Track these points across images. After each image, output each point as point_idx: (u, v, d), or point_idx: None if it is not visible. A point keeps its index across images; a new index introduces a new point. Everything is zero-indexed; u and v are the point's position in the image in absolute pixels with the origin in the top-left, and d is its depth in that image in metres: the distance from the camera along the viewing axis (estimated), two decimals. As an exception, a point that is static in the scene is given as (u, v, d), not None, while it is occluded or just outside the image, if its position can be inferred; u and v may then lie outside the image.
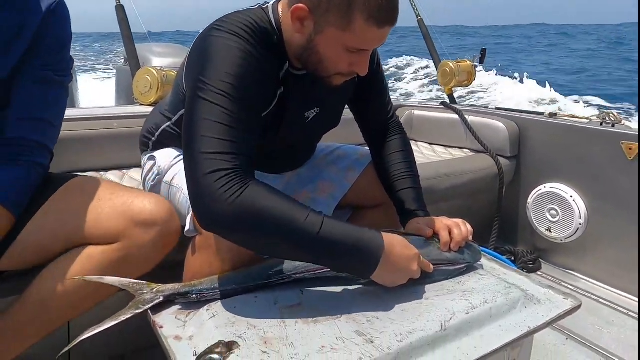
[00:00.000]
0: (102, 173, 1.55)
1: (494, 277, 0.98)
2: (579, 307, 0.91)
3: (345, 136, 1.50)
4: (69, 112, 1.59)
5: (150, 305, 0.78)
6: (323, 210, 1.20)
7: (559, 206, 1.99)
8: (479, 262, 1.03)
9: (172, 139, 1.14)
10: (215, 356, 0.67)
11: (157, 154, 1.15)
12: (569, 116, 2.08)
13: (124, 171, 1.57)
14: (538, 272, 2.05)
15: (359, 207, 1.27)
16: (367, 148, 1.27)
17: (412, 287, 0.91)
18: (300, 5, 0.85)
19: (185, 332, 0.73)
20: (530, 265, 2.06)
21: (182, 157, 1.10)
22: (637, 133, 1.76)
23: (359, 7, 0.81)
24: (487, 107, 2.38)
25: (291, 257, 0.85)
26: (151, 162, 1.15)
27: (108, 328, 0.73)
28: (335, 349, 0.70)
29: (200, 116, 0.79)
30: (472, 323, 0.81)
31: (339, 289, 0.88)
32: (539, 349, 1.47)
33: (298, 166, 1.25)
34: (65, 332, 1.06)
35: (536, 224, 2.06)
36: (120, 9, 1.85)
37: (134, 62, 1.77)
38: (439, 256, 0.96)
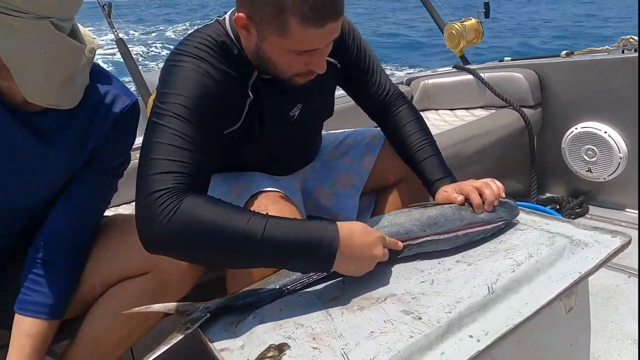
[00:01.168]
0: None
1: (535, 230, 0.95)
2: (629, 242, 0.87)
3: (360, 118, 1.48)
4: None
5: (199, 323, 0.79)
6: (348, 202, 1.21)
7: (595, 145, 1.91)
8: (517, 218, 1.00)
9: None
10: (268, 360, 0.68)
11: None
12: (587, 51, 1.99)
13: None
14: (586, 216, 1.98)
15: (382, 188, 1.25)
16: (374, 128, 1.24)
17: (453, 256, 0.90)
18: (240, 14, 0.83)
19: (236, 342, 0.75)
20: (578, 210, 1.99)
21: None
22: None
23: (290, 11, 0.77)
24: (501, 61, 2.31)
25: (243, 265, 0.83)
26: None
27: (163, 352, 0.75)
28: (385, 332, 0.70)
29: (152, 139, 0.79)
30: (520, 280, 0.79)
31: (380, 271, 0.88)
32: (601, 293, 1.42)
33: (308, 162, 1.24)
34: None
35: (575, 168, 1.99)
36: (121, 43, 1.89)
37: (144, 91, 1.81)
38: (473, 219, 0.94)
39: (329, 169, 1.25)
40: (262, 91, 0.97)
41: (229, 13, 0.95)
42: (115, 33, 1.87)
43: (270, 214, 0.82)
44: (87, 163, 0.93)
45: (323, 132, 1.38)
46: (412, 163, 1.11)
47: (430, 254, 0.91)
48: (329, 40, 0.85)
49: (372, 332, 0.70)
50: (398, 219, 0.93)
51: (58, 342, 0.98)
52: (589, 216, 1.97)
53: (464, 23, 2.30)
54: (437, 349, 0.67)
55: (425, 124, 1.16)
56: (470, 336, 0.69)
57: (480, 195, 0.96)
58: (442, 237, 0.91)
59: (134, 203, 1.56)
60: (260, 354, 0.70)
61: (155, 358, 0.73)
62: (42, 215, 0.93)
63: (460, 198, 0.97)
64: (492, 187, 0.96)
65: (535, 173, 2.05)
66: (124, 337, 0.92)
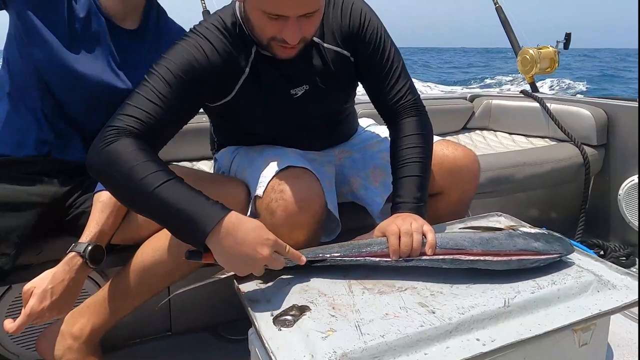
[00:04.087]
0: (194, 163, 1.72)
1: (565, 262, 0.96)
2: None
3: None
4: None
5: (231, 273, 0.88)
6: (375, 198, 1.23)
7: (654, 198, 1.85)
8: None
9: (223, 138, 1.27)
10: (289, 317, 0.76)
11: (218, 155, 1.28)
12: None
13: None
14: (632, 269, 1.91)
15: None
16: None
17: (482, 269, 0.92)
18: None
19: (264, 297, 0.83)
20: (623, 261, 1.93)
21: (236, 153, 1.20)
22: None
23: None
24: (574, 95, 2.26)
25: (142, 211, 0.91)
26: (216, 164, 1.28)
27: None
28: (398, 316, 0.75)
29: (135, 90, 0.93)
30: (538, 302, 0.82)
31: (408, 266, 0.91)
32: (631, 347, 1.38)
33: (336, 142, 1.28)
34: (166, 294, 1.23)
35: (629, 217, 1.93)
36: (207, 14, 2.02)
37: None
38: (527, 246, 0.92)
39: (366, 159, 1.27)
40: (262, 67, 1.04)
41: None
42: (204, 4, 2.00)
43: (290, 187, 0.91)
44: None
45: (373, 124, 1.42)
46: (394, 178, 1.08)
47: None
48: (299, 10, 0.89)
49: (386, 313, 0.76)
50: (450, 234, 0.94)
51: (112, 267, 1.11)
52: (634, 270, 1.91)
53: (540, 50, 2.27)
54: (443, 343, 0.72)
55: (428, 141, 1.11)
56: (477, 339, 0.73)
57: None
58: (495, 258, 0.89)
59: (205, 161, 1.71)
60: (283, 310, 0.77)
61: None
62: None
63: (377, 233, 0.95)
64: (415, 237, 0.89)
65: (585, 213, 2.00)
66: (169, 272, 1.03)
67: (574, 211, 2.03)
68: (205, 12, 2.08)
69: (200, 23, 1.02)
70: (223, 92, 1.05)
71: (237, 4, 1.03)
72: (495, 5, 2.57)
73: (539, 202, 2.03)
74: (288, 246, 0.86)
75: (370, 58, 1.10)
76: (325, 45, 1.08)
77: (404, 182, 1.04)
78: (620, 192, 1.94)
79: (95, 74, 1.11)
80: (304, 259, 0.88)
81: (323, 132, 1.25)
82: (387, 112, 1.15)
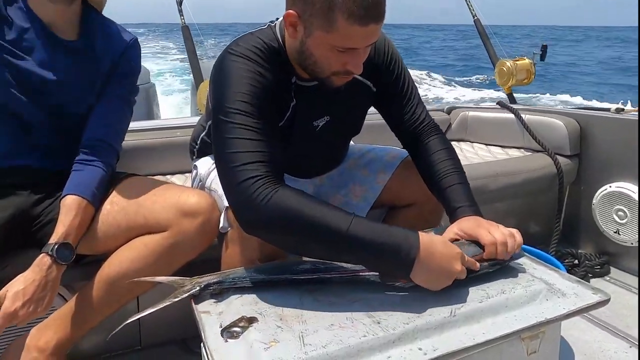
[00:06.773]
0: (168, 177, 1.74)
1: (518, 271, 0.98)
2: (606, 301, 0.89)
3: (383, 140, 1.55)
4: (143, 124, 1.81)
5: (188, 294, 0.88)
6: (357, 213, 1.25)
7: (626, 207, 1.87)
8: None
9: (209, 146, 1.27)
10: (237, 329, 0.77)
11: (198, 162, 1.29)
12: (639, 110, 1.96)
13: (187, 175, 1.75)
14: (606, 277, 1.93)
15: (392, 207, 1.31)
16: (398, 148, 1.29)
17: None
18: (290, 11, 0.91)
19: (215, 309, 0.84)
20: (598, 270, 1.95)
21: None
22: None
23: (339, 7, 0.85)
24: (551, 106, 2.30)
25: (324, 257, 0.90)
26: (195, 171, 1.29)
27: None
28: (343, 327, 0.77)
29: (223, 135, 0.89)
30: (485, 311, 0.83)
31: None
32: (597, 355, 1.40)
33: (328, 170, 1.30)
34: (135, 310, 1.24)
35: (603, 226, 1.96)
36: (186, 30, 2.06)
37: (197, 76, 1.97)
38: (476, 252, 0.95)
39: (346, 177, 1.31)
40: (299, 97, 1.05)
41: (280, 19, 1.03)
42: (183, 20, 2.03)
43: None
44: (108, 81, 1.18)
45: (350, 143, 1.45)
46: (438, 190, 1.11)
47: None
48: (369, 42, 0.92)
49: (332, 324, 0.78)
50: None
51: (80, 281, 1.11)
52: (608, 278, 1.93)
53: (517, 62, 2.31)
54: (385, 352, 0.73)
55: (456, 154, 1.16)
56: (420, 348, 0.74)
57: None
58: None
59: (187, 174, 1.73)
60: (232, 322, 0.79)
61: (147, 315, 0.85)
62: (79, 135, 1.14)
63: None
64: (509, 245, 0.95)
65: (560, 223, 2.02)
66: (135, 285, 1.03)
67: (549, 220, 2.05)
68: (185, 28, 2.12)
69: (238, 44, 0.98)
70: (278, 118, 1.03)
71: (278, 28, 1.02)
72: (473, 18, 2.62)
73: (515, 212, 2.06)
74: (465, 255, 0.89)
75: (393, 87, 1.15)
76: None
77: (453, 190, 1.07)
78: (594, 200, 1.97)
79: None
80: (477, 265, 0.91)
81: (325, 162, 1.28)
82: (409, 136, 1.20)
